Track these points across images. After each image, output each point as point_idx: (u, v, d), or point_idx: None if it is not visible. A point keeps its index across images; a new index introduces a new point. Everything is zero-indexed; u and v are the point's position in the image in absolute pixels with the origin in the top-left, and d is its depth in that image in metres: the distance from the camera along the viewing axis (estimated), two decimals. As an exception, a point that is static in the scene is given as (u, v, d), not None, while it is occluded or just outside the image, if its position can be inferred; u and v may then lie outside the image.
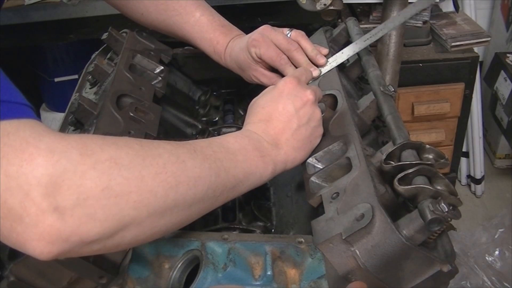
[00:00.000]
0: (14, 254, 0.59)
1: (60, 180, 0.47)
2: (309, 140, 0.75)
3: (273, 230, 0.90)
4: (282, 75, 0.90)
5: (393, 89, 0.83)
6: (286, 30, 0.93)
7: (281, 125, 0.73)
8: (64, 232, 0.48)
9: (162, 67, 0.99)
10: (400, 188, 0.62)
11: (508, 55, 2.10)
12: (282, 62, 0.89)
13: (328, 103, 0.84)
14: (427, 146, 0.68)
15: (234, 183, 0.64)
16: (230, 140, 0.67)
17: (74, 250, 0.50)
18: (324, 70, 0.91)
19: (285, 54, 0.90)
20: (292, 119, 0.73)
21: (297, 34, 0.92)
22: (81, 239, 0.49)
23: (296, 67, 0.90)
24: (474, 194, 2.36)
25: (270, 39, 0.90)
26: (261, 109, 0.75)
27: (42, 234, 0.47)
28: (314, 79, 0.91)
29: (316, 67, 0.91)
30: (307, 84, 0.85)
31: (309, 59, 0.91)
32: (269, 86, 0.79)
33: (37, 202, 0.46)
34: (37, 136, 0.48)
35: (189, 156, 0.58)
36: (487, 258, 1.83)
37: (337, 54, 0.92)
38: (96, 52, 1.08)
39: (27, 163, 0.46)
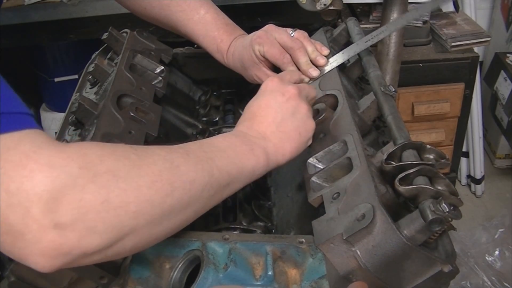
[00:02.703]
0: (14, 255, 0.59)
1: (61, 195, 0.47)
2: (297, 132, 0.74)
3: (273, 230, 0.90)
4: None
5: (393, 89, 0.83)
6: (289, 30, 0.93)
7: (264, 119, 0.73)
8: (66, 247, 0.48)
9: (162, 67, 0.99)
10: (401, 188, 0.62)
11: (508, 55, 2.10)
12: (285, 60, 0.89)
13: (329, 103, 0.85)
14: (428, 146, 0.68)
15: (228, 180, 0.64)
16: (218, 139, 0.68)
17: (76, 262, 0.50)
18: (325, 70, 0.91)
19: (288, 53, 0.90)
20: (275, 113, 0.73)
21: (300, 35, 0.92)
22: (82, 251, 0.49)
23: (297, 67, 0.90)
24: (474, 194, 2.36)
25: (274, 37, 0.90)
26: (246, 110, 0.76)
27: (44, 250, 0.48)
28: (314, 79, 0.91)
29: (315, 68, 0.91)
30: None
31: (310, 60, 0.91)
32: None
33: (38, 219, 0.46)
34: (37, 150, 0.48)
35: (182, 160, 0.59)
36: (487, 258, 1.83)
37: (338, 54, 0.92)
38: (97, 52, 1.08)
39: (27, 179, 0.46)
